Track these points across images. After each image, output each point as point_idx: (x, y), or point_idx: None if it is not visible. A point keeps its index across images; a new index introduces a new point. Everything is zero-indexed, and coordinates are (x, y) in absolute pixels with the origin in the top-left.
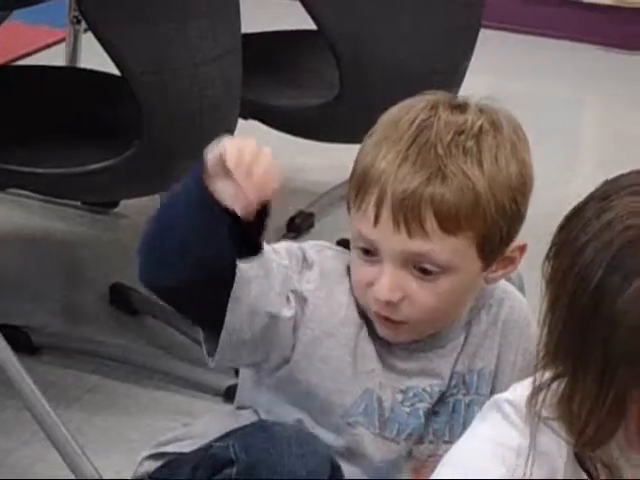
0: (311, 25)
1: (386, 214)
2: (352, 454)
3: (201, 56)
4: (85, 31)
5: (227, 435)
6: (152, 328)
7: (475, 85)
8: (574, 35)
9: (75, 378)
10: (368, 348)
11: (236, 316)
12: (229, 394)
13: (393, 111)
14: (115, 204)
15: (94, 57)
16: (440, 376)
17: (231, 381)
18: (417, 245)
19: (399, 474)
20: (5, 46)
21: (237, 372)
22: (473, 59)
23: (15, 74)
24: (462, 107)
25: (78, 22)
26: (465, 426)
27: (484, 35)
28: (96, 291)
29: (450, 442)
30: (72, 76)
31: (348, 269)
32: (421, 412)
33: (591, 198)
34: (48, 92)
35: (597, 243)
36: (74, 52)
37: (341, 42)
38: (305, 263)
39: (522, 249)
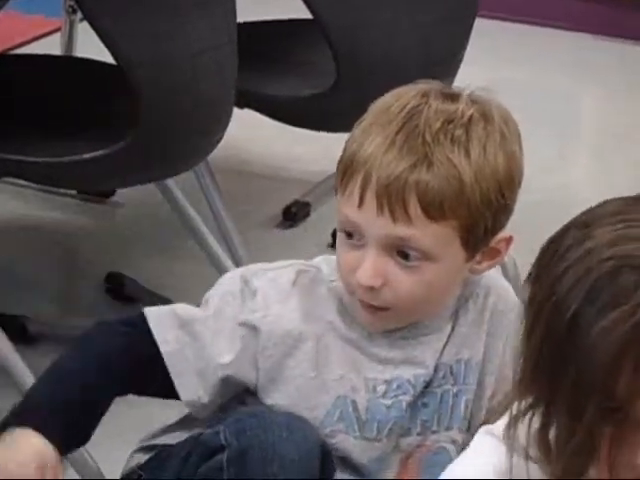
0: (307, 14)
1: (370, 197)
2: (341, 461)
3: (197, 47)
4: (81, 20)
5: (218, 422)
6: None
7: (470, 75)
8: (571, 24)
9: None
10: (333, 355)
11: (188, 388)
12: None
13: (385, 98)
14: (111, 193)
15: (90, 47)
16: (424, 364)
17: None
18: (400, 230)
19: (387, 469)
20: (0, 35)
21: None
22: (468, 48)
23: (9, 63)
24: (454, 97)
25: (74, 12)
26: (452, 416)
27: (480, 24)
28: (92, 280)
29: (437, 432)
30: (67, 65)
31: (294, 282)
32: (404, 404)
33: (573, 224)
34: (43, 81)
35: (576, 272)
36: (70, 42)
37: (336, 32)
38: (249, 292)
39: (508, 241)
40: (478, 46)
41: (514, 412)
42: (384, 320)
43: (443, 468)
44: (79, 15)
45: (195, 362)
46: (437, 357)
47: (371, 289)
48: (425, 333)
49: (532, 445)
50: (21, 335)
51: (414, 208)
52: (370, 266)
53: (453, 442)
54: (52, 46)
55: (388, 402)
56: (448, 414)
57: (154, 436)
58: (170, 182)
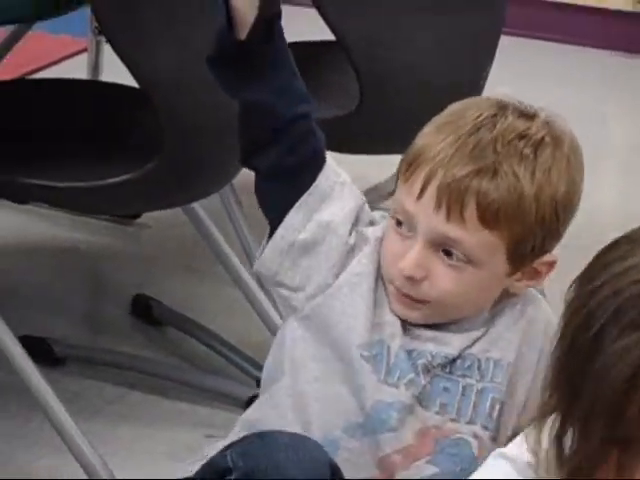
0: (330, 36)
1: (431, 192)
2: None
3: None
4: (107, 41)
5: (228, 446)
6: (174, 339)
7: (494, 93)
8: (598, 42)
9: (97, 389)
10: (385, 301)
11: (296, 216)
12: (250, 405)
13: (463, 102)
14: (138, 215)
15: (118, 66)
16: (450, 345)
17: (253, 392)
18: (452, 229)
19: (401, 425)
20: (28, 56)
21: (258, 383)
22: (493, 66)
23: (36, 87)
24: (530, 115)
25: (100, 33)
26: (476, 411)
27: (505, 42)
28: (118, 302)
29: (456, 421)
30: (93, 89)
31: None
32: (419, 367)
33: (624, 237)
34: (69, 105)
35: (610, 288)
36: (96, 62)
37: (359, 53)
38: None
39: (551, 265)
40: (502, 64)
41: (539, 414)
42: (417, 313)
43: (461, 458)
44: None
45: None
46: (466, 345)
47: (411, 280)
48: (456, 330)
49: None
50: (47, 357)
51: (470, 212)
52: (414, 257)
53: (475, 437)
54: (79, 66)
55: (409, 362)
56: (470, 408)
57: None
58: (195, 204)
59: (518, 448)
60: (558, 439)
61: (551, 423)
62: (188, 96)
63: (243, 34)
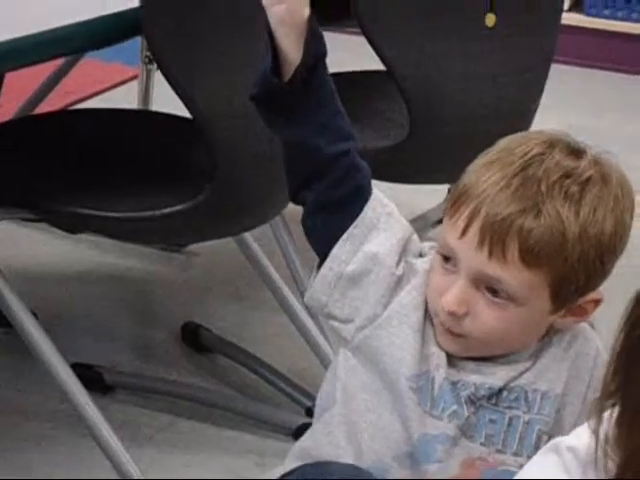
0: (380, 66)
1: (474, 231)
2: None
3: None
4: (159, 69)
5: (289, 473)
6: (223, 367)
7: (545, 122)
8: None
9: (147, 417)
10: (432, 333)
11: (343, 248)
12: (300, 433)
13: (512, 137)
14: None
15: (168, 94)
16: (495, 376)
17: (301, 420)
18: (493, 269)
19: (447, 456)
20: (80, 83)
21: (307, 411)
22: (544, 94)
23: (86, 117)
24: (578, 152)
25: (150, 62)
26: (522, 443)
27: (556, 69)
28: (168, 329)
29: (503, 452)
30: (143, 119)
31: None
32: (463, 399)
33: None
34: (119, 135)
35: None
36: (146, 92)
37: (410, 83)
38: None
39: (597, 302)
40: (554, 92)
41: (601, 395)
42: (459, 346)
43: None
44: (156, 65)
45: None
46: (511, 376)
47: (453, 315)
48: (503, 362)
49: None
50: (97, 385)
51: (512, 252)
52: (457, 293)
53: (521, 468)
54: (130, 94)
55: (453, 394)
56: (516, 440)
57: None
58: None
59: (579, 438)
60: (618, 422)
61: (611, 408)
62: (240, 128)
63: (288, 74)
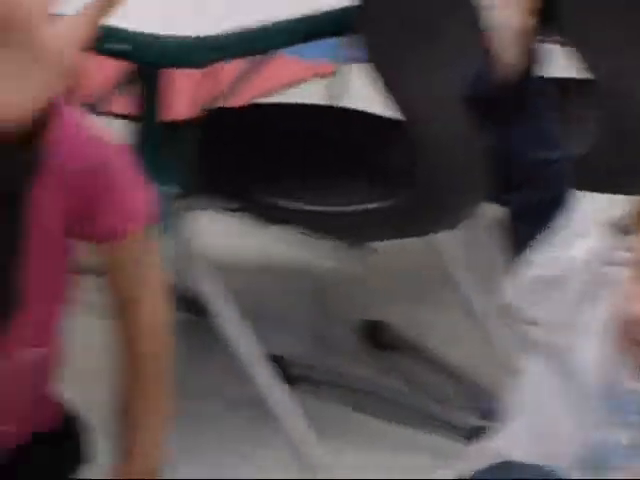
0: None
1: None
2: None
3: None
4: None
5: (479, 472)
6: (401, 364)
7: None
8: None
9: (327, 412)
10: (622, 342)
11: (542, 253)
12: (474, 436)
13: None
14: None
15: (361, 92)
16: None
17: (478, 422)
18: None
19: (628, 463)
20: (272, 75)
21: (484, 413)
22: None
23: (280, 110)
24: None
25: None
26: None
27: None
28: (343, 324)
29: None
30: (340, 115)
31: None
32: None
33: None
34: (316, 130)
35: None
36: (341, 88)
37: (607, 91)
38: None
39: None
40: None
41: None
42: None
43: None
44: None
45: None
46: None
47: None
48: None
49: None
50: (284, 377)
51: None
52: None
53: None
54: (317, 90)
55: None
56: None
57: None
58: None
59: None
60: None
61: None
62: (445, 131)
63: (500, 79)
